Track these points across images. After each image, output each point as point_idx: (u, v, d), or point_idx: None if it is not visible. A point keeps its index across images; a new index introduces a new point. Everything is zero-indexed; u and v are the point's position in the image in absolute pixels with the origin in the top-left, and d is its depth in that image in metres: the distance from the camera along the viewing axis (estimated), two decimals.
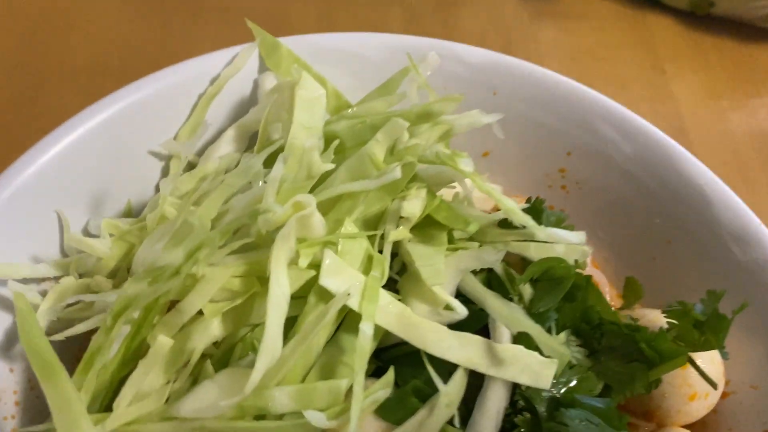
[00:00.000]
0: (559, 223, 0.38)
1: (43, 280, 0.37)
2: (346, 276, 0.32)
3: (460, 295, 0.35)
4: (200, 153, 0.41)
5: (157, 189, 0.42)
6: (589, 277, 0.35)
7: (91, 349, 0.32)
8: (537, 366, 0.32)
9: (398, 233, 0.34)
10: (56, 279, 0.37)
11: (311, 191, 0.34)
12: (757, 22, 0.65)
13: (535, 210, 0.38)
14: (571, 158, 0.44)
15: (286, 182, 0.33)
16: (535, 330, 0.33)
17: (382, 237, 0.35)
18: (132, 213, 0.41)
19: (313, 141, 0.33)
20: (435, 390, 0.31)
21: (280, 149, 0.35)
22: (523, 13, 0.67)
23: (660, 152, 0.41)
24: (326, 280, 0.32)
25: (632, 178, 0.42)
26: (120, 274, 0.37)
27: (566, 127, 0.44)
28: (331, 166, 0.34)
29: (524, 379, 0.32)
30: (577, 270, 0.35)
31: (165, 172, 0.42)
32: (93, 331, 0.33)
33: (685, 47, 0.66)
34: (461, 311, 0.33)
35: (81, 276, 0.38)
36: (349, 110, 0.40)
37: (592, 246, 0.41)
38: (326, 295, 0.32)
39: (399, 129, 0.35)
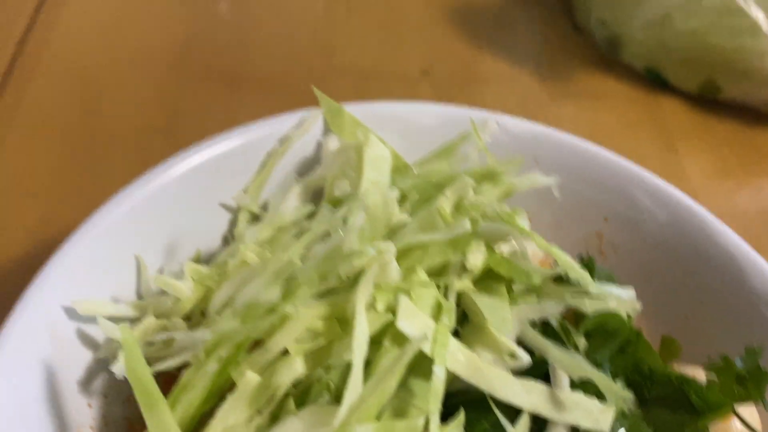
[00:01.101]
0: (609, 280, 0.41)
1: (121, 320, 0.39)
2: (419, 321, 0.34)
3: (519, 344, 0.37)
4: (265, 207, 0.44)
5: (225, 239, 0.44)
6: (639, 331, 0.38)
7: (182, 383, 0.34)
8: (597, 411, 0.34)
9: (463, 283, 0.37)
10: (132, 320, 0.39)
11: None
12: (763, 108, 0.70)
13: (587, 267, 0.40)
14: (608, 223, 0.47)
15: (366, 230, 0.36)
16: (596, 375, 0.35)
17: (446, 287, 0.37)
18: (200, 260, 0.43)
19: (393, 193, 0.36)
20: None
21: (353, 202, 0.38)
22: (542, 92, 0.72)
23: (692, 220, 0.45)
24: (403, 323, 0.34)
25: (666, 243, 0.45)
26: (194, 317, 0.39)
27: (603, 194, 0.47)
28: (408, 218, 0.37)
29: (586, 424, 0.34)
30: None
31: (232, 224, 0.44)
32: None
33: (695, 128, 0.71)
34: (525, 359, 0.35)
35: (156, 317, 0.40)
36: (414, 171, 0.43)
37: None
38: (401, 339, 0.34)
39: (466, 186, 0.38)
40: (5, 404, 0.32)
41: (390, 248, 0.34)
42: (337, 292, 0.35)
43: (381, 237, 0.36)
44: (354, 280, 0.34)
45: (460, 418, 0.34)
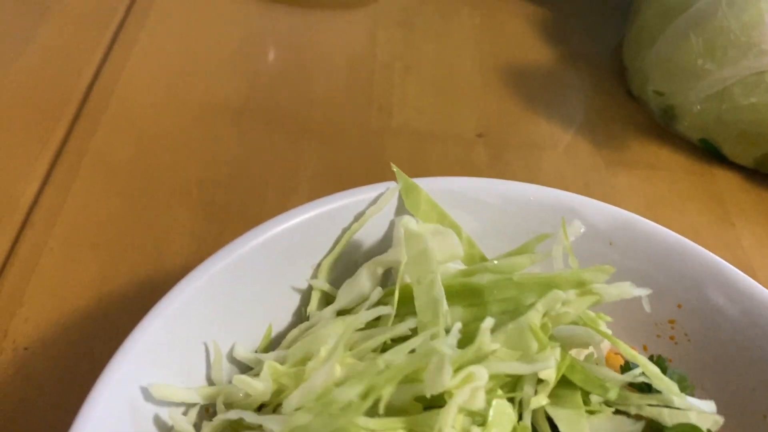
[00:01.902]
0: (681, 382, 0.40)
1: (191, 406, 0.38)
2: None
3: None
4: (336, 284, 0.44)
5: (296, 317, 0.44)
6: None
7: None
8: None
9: (539, 399, 0.36)
10: (201, 407, 0.38)
11: None
12: None
13: (658, 366, 0.39)
14: (682, 311, 0.46)
15: (456, 355, 0.34)
16: None
17: (521, 403, 0.36)
18: (270, 339, 0.42)
19: (490, 321, 0.35)
20: None
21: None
22: (598, 159, 0.72)
23: None
24: None
25: (743, 336, 0.44)
26: (265, 410, 0.38)
27: (677, 282, 0.46)
28: (497, 346, 0.35)
29: None
30: None
31: (303, 301, 0.44)
32: None
33: (752, 202, 0.70)
34: None
35: (226, 407, 0.39)
36: (493, 262, 0.42)
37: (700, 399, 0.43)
38: None
39: (558, 300, 0.37)
40: None
41: (483, 375, 0.33)
42: (416, 412, 0.34)
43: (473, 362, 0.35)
44: (433, 400, 0.33)
45: None
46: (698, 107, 0.70)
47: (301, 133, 0.68)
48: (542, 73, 0.80)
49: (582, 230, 0.42)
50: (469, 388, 0.32)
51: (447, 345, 0.33)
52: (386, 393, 0.33)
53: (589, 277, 0.39)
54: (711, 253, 0.46)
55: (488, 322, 0.35)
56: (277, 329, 0.43)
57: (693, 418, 0.37)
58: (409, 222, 0.42)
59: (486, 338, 0.35)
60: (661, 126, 0.75)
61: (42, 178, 0.58)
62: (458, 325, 0.35)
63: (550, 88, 0.79)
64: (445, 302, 0.38)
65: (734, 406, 0.45)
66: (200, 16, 0.78)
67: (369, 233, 0.45)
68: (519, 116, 0.74)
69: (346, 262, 0.45)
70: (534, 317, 0.37)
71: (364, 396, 0.33)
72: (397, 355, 0.34)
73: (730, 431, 0.43)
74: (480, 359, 0.35)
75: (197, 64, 0.72)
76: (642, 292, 0.39)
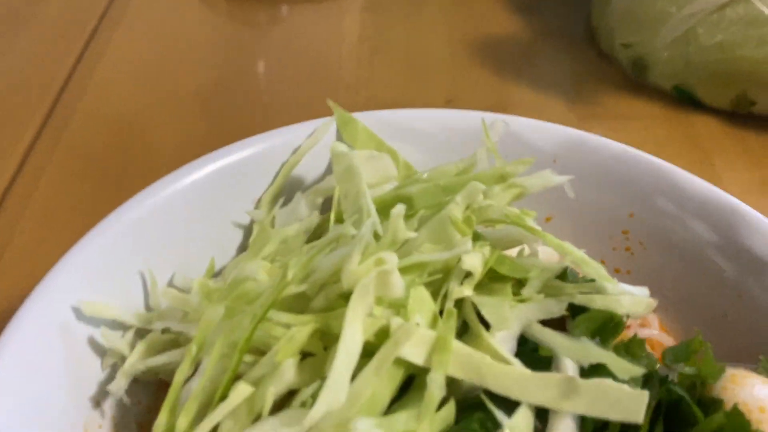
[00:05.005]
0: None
1: (128, 329, 0.38)
2: (416, 334, 0.33)
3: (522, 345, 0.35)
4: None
5: (239, 250, 0.44)
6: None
7: (175, 382, 0.33)
8: (626, 399, 0.31)
9: (461, 290, 0.36)
10: (138, 330, 0.39)
11: None
12: None
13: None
14: (634, 220, 0.45)
15: (371, 246, 0.34)
16: (611, 358, 0.33)
17: (445, 295, 0.36)
18: (214, 271, 0.43)
19: (401, 208, 0.35)
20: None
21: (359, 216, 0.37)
22: (571, 116, 0.71)
23: (723, 208, 0.42)
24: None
25: (696, 234, 0.43)
26: None
27: (626, 191, 0.45)
28: (415, 234, 0.36)
29: (614, 415, 0.31)
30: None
31: (246, 235, 0.44)
32: None
33: (731, 143, 0.69)
34: (517, 365, 0.33)
35: (163, 332, 0.39)
36: (422, 174, 0.42)
37: (661, 306, 0.41)
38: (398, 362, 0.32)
39: (477, 192, 0.37)
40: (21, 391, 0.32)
41: (392, 259, 0.32)
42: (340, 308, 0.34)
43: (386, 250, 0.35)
44: None
45: (450, 408, 0.32)
46: (666, 53, 0.70)
47: (271, 113, 0.69)
48: (512, 43, 0.80)
49: (504, 129, 0.42)
50: (376, 271, 0.32)
51: (352, 228, 0.33)
52: (295, 280, 0.33)
53: (511, 170, 0.38)
54: (657, 159, 0.46)
55: (399, 209, 0.35)
56: (222, 263, 0.44)
57: (626, 303, 0.36)
58: (337, 145, 0.43)
59: (399, 224, 0.35)
60: (634, 79, 0.74)
61: (17, 164, 0.61)
62: (374, 217, 0.35)
63: (521, 57, 0.79)
64: (372, 210, 0.38)
65: (695, 308, 0.43)
66: (172, 11, 0.81)
67: (310, 167, 0.46)
68: (489, 82, 0.75)
69: (289, 197, 0.45)
70: (454, 210, 0.36)
71: (279, 289, 0.33)
72: (310, 251, 0.34)
73: (692, 333, 0.42)
74: (395, 247, 0.35)
75: (169, 55, 0.74)
76: (563, 179, 0.38)
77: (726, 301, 0.42)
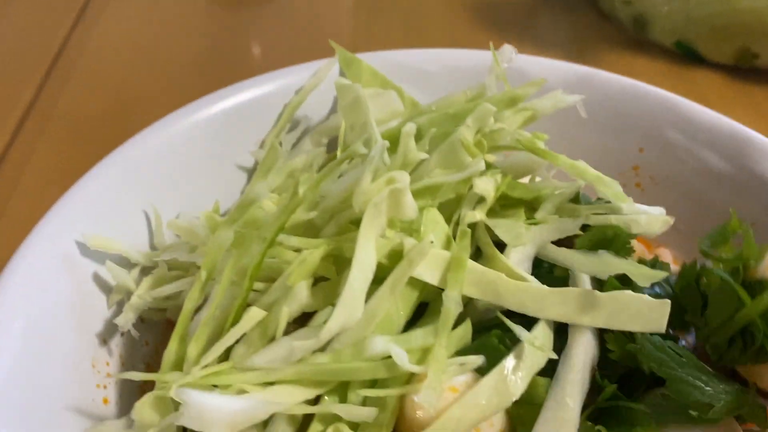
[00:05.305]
0: None
1: (134, 266, 0.38)
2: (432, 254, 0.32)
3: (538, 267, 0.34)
4: None
5: (243, 193, 0.43)
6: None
7: (185, 309, 0.32)
8: (647, 309, 0.31)
9: (474, 215, 0.35)
10: (144, 269, 0.38)
11: None
12: None
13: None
14: (644, 155, 0.45)
15: (382, 168, 0.33)
16: (630, 266, 0.32)
17: (458, 220, 0.35)
18: (219, 212, 0.42)
19: (411, 126, 0.34)
20: None
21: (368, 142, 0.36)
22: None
23: (734, 137, 0.42)
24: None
25: (708, 165, 0.42)
26: None
27: (636, 126, 0.45)
28: (426, 155, 0.35)
29: (636, 326, 0.30)
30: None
31: (250, 178, 0.43)
32: None
33: (735, 97, 0.68)
34: (533, 282, 0.33)
35: (170, 268, 0.38)
36: (431, 107, 0.41)
37: (673, 241, 0.41)
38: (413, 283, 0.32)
39: (488, 113, 0.36)
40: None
41: (404, 178, 0.32)
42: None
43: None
44: None
45: (467, 326, 0.31)
46: (666, 8, 0.69)
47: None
48: (512, 5, 0.80)
49: (514, 55, 0.41)
50: (387, 189, 0.31)
51: (362, 146, 0.32)
52: (306, 201, 0.32)
53: (521, 92, 0.38)
54: (666, 92, 0.45)
55: (409, 127, 0.34)
56: (226, 206, 0.43)
57: (643, 222, 0.35)
58: (341, 79, 0.42)
59: (410, 144, 0.34)
60: (635, 37, 0.74)
61: (13, 128, 0.60)
62: (383, 142, 0.34)
63: (521, 19, 0.78)
64: (379, 137, 0.37)
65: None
66: None
67: (314, 109, 0.45)
68: (488, 45, 0.74)
69: (293, 136, 0.44)
70: (465, 132, 0.36)
71: (289, 210, 0.32)
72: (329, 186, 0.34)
73: None
74: (407, 169, 0.34)
75: (164, 25, 0.74)
76: (575, 98, 0.37)
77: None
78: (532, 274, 0.34)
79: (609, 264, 0.32)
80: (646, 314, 0.30)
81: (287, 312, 0.31)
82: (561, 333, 0.32)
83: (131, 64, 0.68)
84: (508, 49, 0.42)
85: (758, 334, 0.30)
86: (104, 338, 0.36)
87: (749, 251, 0.32)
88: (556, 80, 0.46)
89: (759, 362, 0.30)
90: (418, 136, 0.39)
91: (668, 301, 0.30)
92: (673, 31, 0.70)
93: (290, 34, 0.75)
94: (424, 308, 0.33)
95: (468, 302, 0.33)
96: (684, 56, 0.71)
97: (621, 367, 0.32)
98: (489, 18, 0.78)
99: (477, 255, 0.35)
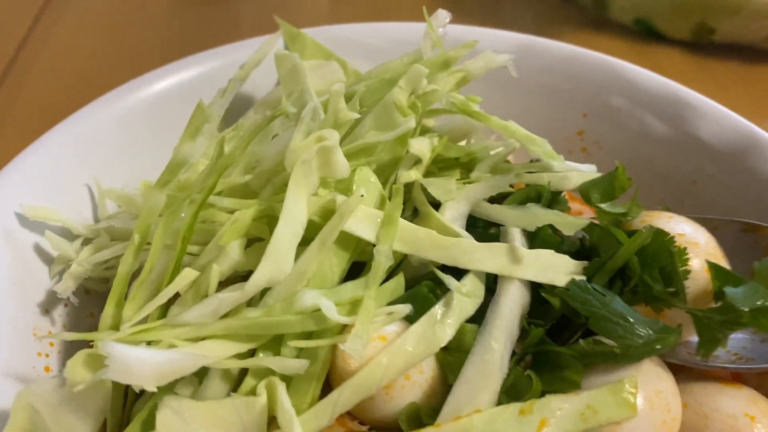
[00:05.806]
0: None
1: (76, 237, 0.38)
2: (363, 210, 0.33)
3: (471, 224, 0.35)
4: None
5: None
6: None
7: (120, 273, 0.33)
8: (564, 264, 0.32)
9: (410, 174, 0.35)
10: (86, 241, 0.38)
11: None
12: (759, 44, 0.68)
13: None
14: (588, 119, 0.45)
15: (314, 129, 0.34)
16: (556, 216, 0.33)
17: (395, 180, 0.35)
18: None
19: (339, 86, 0.34)
20: None
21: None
22: None
23: (674, 99, 0.42)
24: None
25: (649, 129, 0.43)
26: None
27: (579, 90, 0.45)
28: (357, 115, 0.35)
29: (559, 281, 0.31)
30: None
31: None
32: None
33: (694, 73, 0.69)
34: (466, 237, 0.33)
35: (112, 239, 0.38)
36: (370, 73, 0.42)
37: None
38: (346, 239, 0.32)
39: (420, 75, 0.36)
40: None
41: (333, 135, 0.32)
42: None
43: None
44: None
45: (399, 279, 0.32)
46: None
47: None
48: None
49: (447, 19, 0.42)
50: (317, 147, 0.31)
51: (291, 106, 0.33)
52: (234, 159, 0.32)
53: (453, 54, 0.38)
54: (608, 57, 0.46)
55: (338, 86, 0.34)
56: None
57: (575, 180, 0.36)
58: (280, 50, 0.42)
59: (340, 103, 0.34)
60: (595, 16, 0.74)
61: None
62: (315, 102, 0.34)
63: (485, 4, 0.79)
64: (316, 100, 0.37)
65: (654, 200, 0.43)
66: None
67: (259, 85, 0.45)
68: (453, 29, 0.74)
69: (240, 112, 0.45)
70: (398, 94, 0.36)
71: (218, 169, 0.33)
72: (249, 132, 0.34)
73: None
74: (338, 129, 0.34)
75: (131, 12, 0.74)
76: (505, 57, 0.38)
77: (681, 189, 0.42)
78: (468, 232, 0.34)
79: (536, 215, 0.33)
80: (565, 269, 0.31)
81: (218, 270, 0.31)
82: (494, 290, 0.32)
83: (94, 57, 0.69)
84: (442, 14, 0.42)
85: (633, 277, 0.30)
86: (46, 308, 0.36)
87: (633, 209, 0.34)
88: (497, 49, 0.46)
89: (633, 304, 0.31)
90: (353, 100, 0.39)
91: (581, 263, 0.31)
92: (632, 8, 0.71)
93: (257, 17, 0.75)
94: (363, 269, 0.34)
95: (403, 259, 0.33)
96: (643, 34, 0.72)
97: (553, 317, 0.32)
98: (452, 1, 0.78)
99: (414, 215, 0.35)
